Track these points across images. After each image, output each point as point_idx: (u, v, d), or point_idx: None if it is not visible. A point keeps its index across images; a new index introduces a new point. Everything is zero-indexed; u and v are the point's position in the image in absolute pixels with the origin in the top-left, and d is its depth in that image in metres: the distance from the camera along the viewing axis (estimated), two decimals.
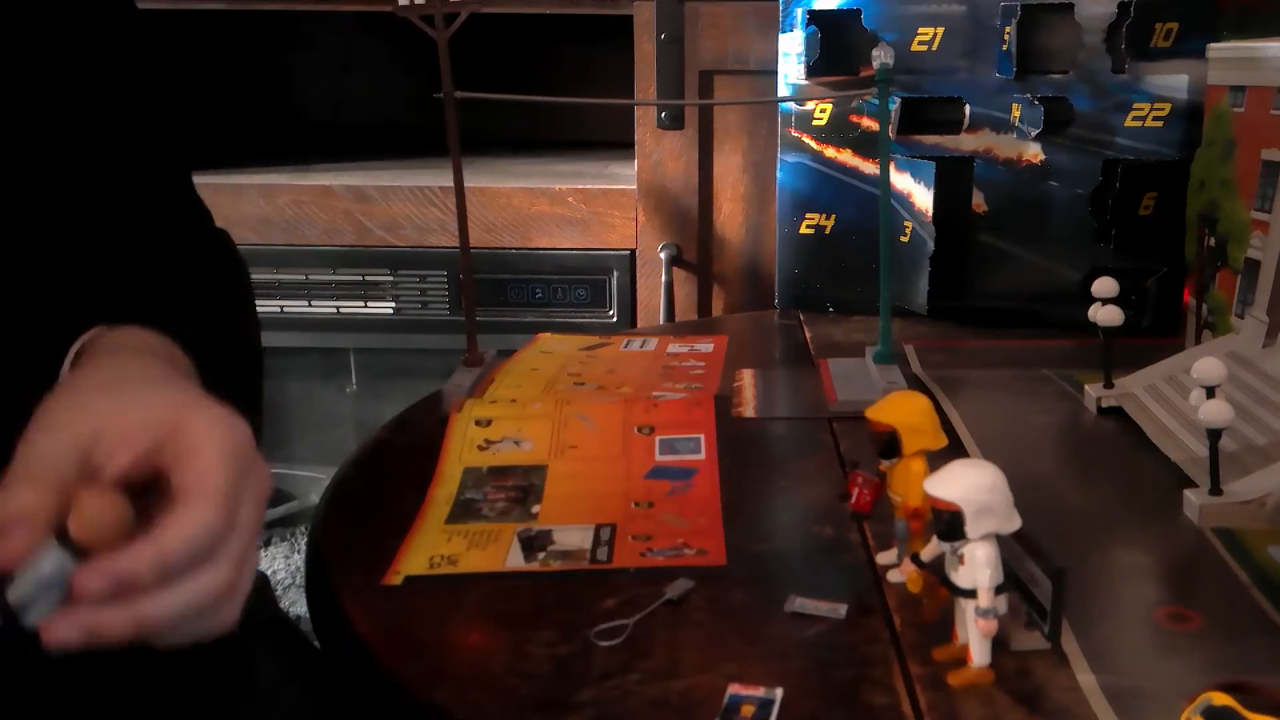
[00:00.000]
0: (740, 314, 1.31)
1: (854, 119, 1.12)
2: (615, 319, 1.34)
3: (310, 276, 1.37)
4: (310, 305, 1.38)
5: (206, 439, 0.44)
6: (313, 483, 1.94)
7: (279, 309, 1.38)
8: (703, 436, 0.74)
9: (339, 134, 1.76)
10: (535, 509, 0.66)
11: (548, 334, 1.01)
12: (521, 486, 0.68)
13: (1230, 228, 0.83)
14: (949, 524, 0.46)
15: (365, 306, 1.38)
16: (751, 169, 1.29)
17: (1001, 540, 0.47)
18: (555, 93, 0.93)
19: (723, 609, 0.55)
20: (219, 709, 0.57)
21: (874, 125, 1.10)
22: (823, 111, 1.12)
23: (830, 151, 1.13)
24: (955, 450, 0.58)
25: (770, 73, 1.17)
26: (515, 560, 0.60)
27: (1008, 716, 0.46)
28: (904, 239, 1.08)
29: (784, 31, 1.13)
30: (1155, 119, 1.05)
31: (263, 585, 0.69)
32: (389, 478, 0.73)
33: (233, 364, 0.61)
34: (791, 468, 0.73)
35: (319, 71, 1.77)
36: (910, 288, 1.07)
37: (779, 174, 1.15)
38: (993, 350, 0.98)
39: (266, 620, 0.65)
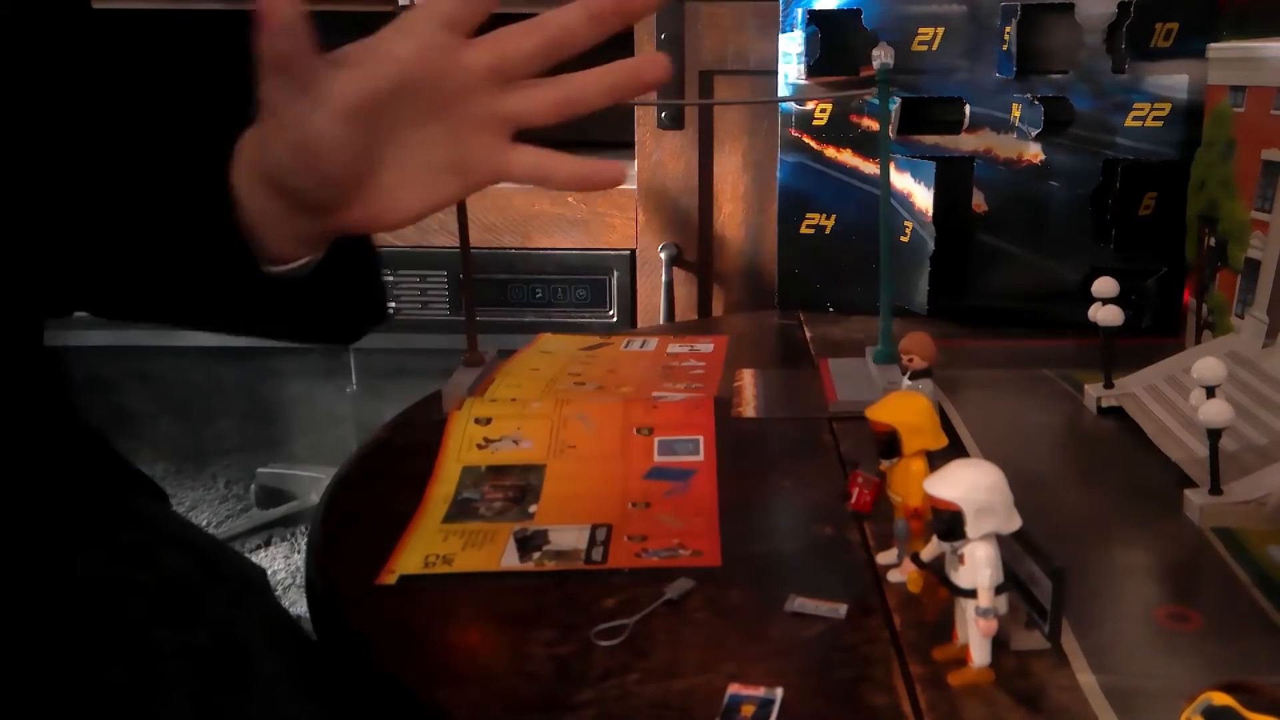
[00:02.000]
0: (740, 314, 1.31)
1: (854, 119, 1.12)
2: (615, 319, 1.34)
3: None
4: None
5: None
6: (313, 483, 1.94)
7: None
8: (701, 439, 0.74)
9: None
10: (532, 509, 0.66)
11: (548, 334, 1.01)
12: (519, 486, 0.68)
13: (1230, 228, 0.83)
14: (949, 524, 0.46)
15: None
16: (751, 169, 1.29)
17: (1001, 540, 0.47)
18: None
19: (723, 609, 0.55)
20: (217, 705, 0.57)
21: (874, 125, 1.10)
22: (823, 111, 1.12)
23: (830, 151, 1.13)
24: (955, 450, 0.58)
25: (770, 73, 1.17)
26: (510, 560, 0.60)
27: (1008, 716, 0.46)
28: (904, 239, 1.08)
29: (784, 31, 1.13)
30: (1155, 119, 1.05)
31: (261, 581, 0.68)
32: (389, 478, 0.73)
33: None
34: (791, 468, 0.73)
35: None
36: (910, 288, 1.07)
37: (779, 174, 1.15)
38: (993, 350, 0.98)
39: (265, 616, 0.65)
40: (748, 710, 0.46)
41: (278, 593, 1.66)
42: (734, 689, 0.47)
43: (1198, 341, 0.88)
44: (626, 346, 0.97)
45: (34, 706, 0.53)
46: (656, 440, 0.73)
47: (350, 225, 0.56)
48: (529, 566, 0.59)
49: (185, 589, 0.63)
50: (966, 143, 1.09)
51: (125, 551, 0.63)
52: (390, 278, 1.36)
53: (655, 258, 1.31)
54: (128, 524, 0.66)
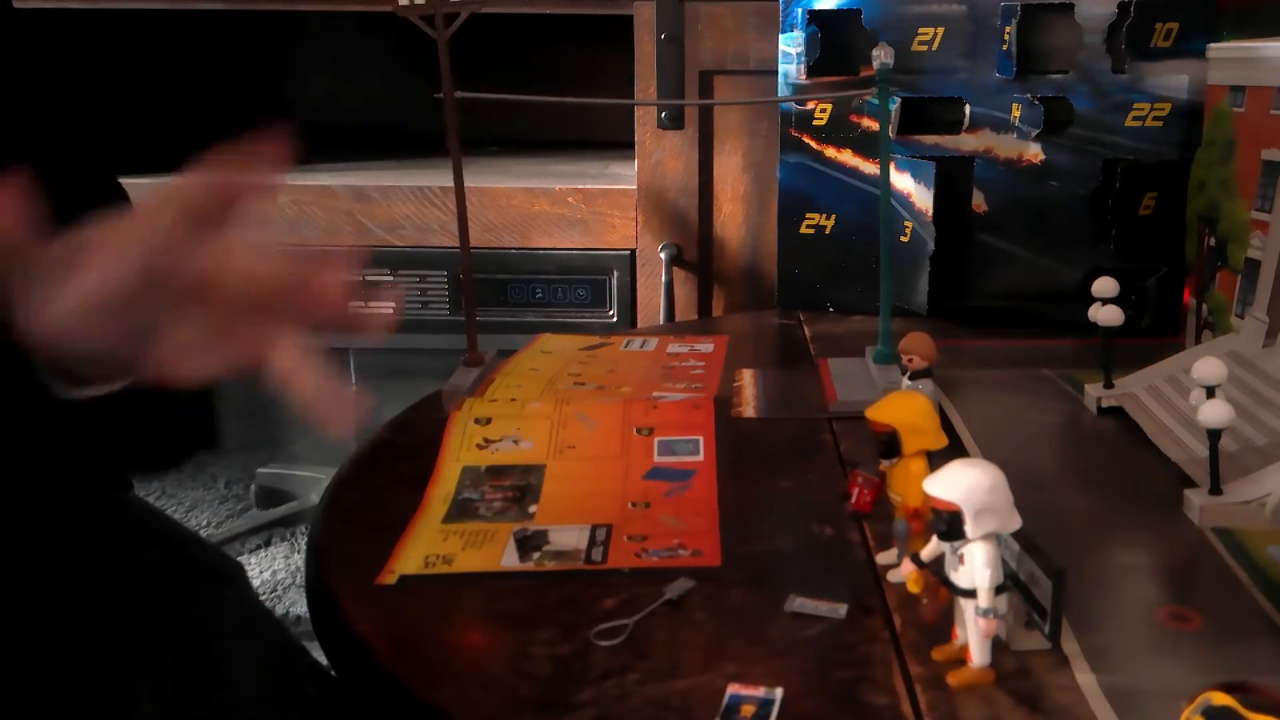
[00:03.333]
0: (740, 314, 1.31)
1: (854, 119, 1.12)
2: (615, 319, 1.34)
3: None
4: None
5: None
6: (313, 483, 1.94)
7: None
8: (701, 439, 0.74)
9: (339, 134, 1.76)
10: (532, 509, 0.66)
11: (548, 334, 1.01)
12: (519, 486, 0.68)
13: (1230, 228, 0.83)
14: (949, 524, 0.46)
15: (365, 307, 1.37)
16: (751, 169, 1.29)
17: (1001, 540, 0.47)
18: (555, 93, 0.93)
19: (723, 609, 0.55)
20: (185, 699, 0.57)
21: (874, 125, 1.10)
22: (823, 111, 1.12)
23: (830, 151, 1.13)
24: (955, 450, 0.58)
25: (770, 73, 1.17)
26: (510, 560, 0.60)
27: (1008, 716, 0.46)
28: (904, 239, 1.08)
29: (784, 31, 1.12)
30: (1155, 119, 1.05)
31: (237, 575, 0.68)
32: (389, 477, 0.73)
33: None
34: (791, 468, 0.73)
35: (319, 71, 1.77)
36: (910, 288, 1.07)
37: (779, 174, 1.15)
38: (993, 350, 0.98)
39: (238, 610, 0.64)
40: (748, 710, 0.46)
41: (277, 592, 1.66)
42: (734, 689, 0.47)
43: (1198, 341, 0.88)
44: (626, 346, 0.97)
45: (2, 698, 0.53)
46: (656, 440, 0.73)
47: (149, 380, 0.51)
48: (529, 566, 0.59)
49: (157, 583, 0.62)
50: (966, 143, 1.09)
51: (97, 544, 0.63)
52: (391, 278, 1.36)
53: (655, 258, 1.31)
54: (99, 515, 0.66)
